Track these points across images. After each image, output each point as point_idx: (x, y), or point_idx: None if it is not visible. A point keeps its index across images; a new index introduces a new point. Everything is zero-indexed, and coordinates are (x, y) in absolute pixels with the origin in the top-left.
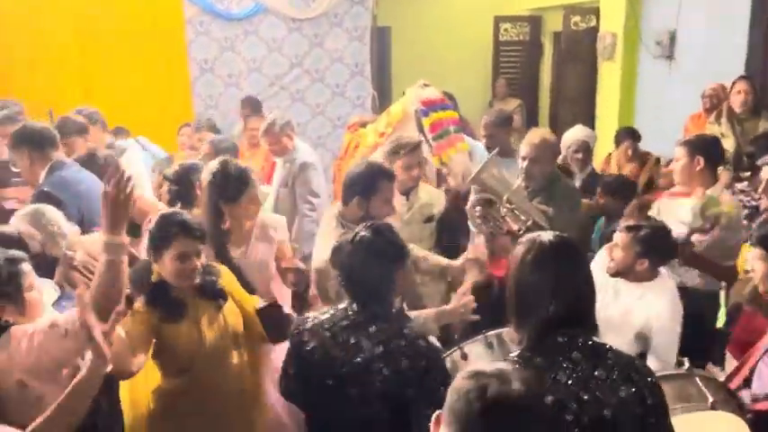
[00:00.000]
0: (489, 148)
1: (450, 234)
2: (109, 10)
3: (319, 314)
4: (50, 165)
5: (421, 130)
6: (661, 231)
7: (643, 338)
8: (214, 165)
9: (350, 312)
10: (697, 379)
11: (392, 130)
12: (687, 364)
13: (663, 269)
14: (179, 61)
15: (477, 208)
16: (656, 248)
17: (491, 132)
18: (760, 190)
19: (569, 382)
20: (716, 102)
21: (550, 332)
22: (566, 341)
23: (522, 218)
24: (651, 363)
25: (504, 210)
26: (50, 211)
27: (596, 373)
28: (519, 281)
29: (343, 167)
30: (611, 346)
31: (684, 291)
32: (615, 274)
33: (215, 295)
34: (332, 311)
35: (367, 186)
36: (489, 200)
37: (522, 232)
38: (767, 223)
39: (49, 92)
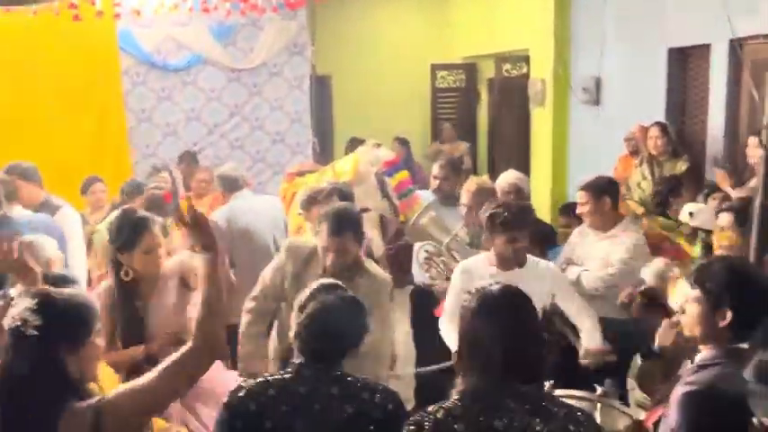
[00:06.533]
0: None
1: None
2: (43, 62)
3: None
4: None
5: (383, 189)
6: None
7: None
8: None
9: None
10: (599, 405)
11: None
12: (600, 390)
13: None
14: (115, 112)
15: (423, 254)
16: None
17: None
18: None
19: (504, 430)
20: (636, 144)
21: (491, 379)
22: (504, 389)
23: None
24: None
25: (445, 255)
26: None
27: (533, 422)
28: (466, 330)
29: None
30: (552, 395)
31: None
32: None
33: None
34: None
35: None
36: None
37: None
38: (709, 265)
39: None
